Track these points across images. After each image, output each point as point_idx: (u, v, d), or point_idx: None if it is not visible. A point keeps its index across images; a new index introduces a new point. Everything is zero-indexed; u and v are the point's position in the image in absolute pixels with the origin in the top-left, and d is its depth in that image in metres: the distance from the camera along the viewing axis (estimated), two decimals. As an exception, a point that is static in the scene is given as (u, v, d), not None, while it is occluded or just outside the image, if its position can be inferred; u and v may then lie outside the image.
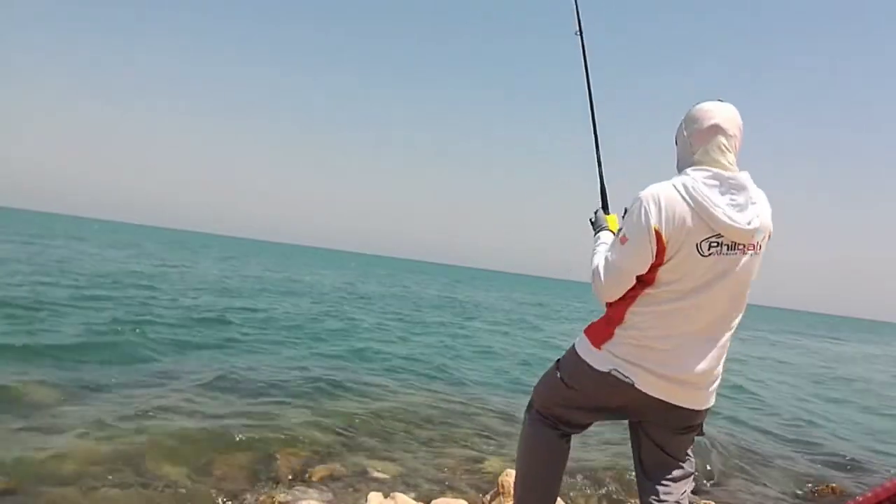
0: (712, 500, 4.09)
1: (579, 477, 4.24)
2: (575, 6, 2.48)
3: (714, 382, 1.83)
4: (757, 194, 1.75)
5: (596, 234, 2.05)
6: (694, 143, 1.80)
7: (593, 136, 2.30)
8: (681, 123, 1.88)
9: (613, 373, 1.78)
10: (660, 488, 1.90)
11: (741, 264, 1.72)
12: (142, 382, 5.52)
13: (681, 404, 1.79)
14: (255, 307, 12.78)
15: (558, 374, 1.95)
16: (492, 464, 4.38)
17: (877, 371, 16.82)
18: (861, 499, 1.61)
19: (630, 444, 2.07)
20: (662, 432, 1.92)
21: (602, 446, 5.01)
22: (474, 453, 4.64)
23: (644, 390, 1.76)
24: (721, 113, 1.79)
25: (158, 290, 13.26)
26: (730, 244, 1.69)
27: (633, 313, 1.77)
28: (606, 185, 2.26)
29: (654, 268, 1.73)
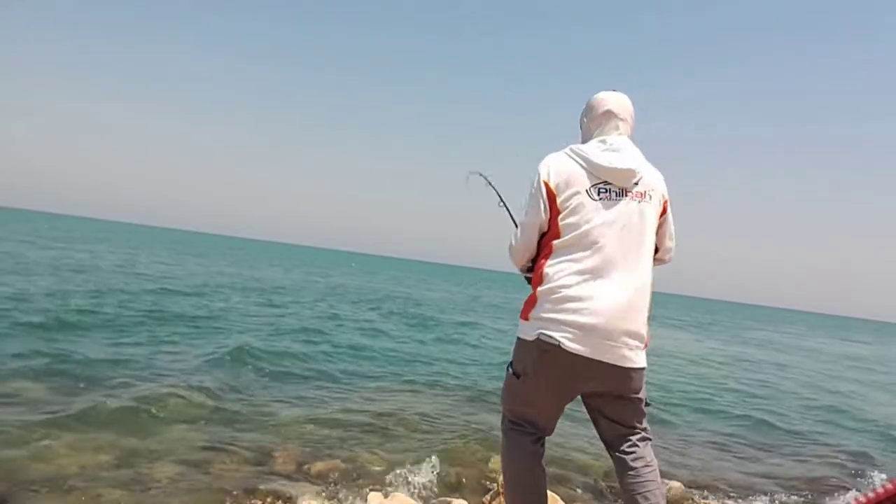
0: (713, 500, 4.09)
1: (577, 478, 4.24)
2: (489, 184, 2.63)
3: (635, 338, 1.91)
4: (639, 155, 2.00)
5: None
6: (592, 128, 2.08)
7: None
8: (582, 111, 2.15)
9: (541, 337, 1.88)
10: (627, 457, 2.01)
11: (632, 210, 1.92)
12: (143, 383, 5.53)
13: (607, 360, 1.86)
14: (260, 309, 12.80)
15: (510, 370, 2.06)
16: (492, 464, 4.38)
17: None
18: (862, 499, 1.60)
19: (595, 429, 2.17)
20: (611, 406, 2.02)
21: (598, 448, 5.00)
22: (475, 453, 4.64)
23: (570, 349, 1.84)
24: (613, 100, 2.07)
25: (167, 291, 13.27)
26: (618, 190, 1.92)
27: (548, 266, 1.94)
28: None
29: (553, 219, 1.94)
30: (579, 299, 1.83)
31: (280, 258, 52.41)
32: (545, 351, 1.87)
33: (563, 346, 1.83)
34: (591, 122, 2.08)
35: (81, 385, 5.16)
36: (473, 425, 5.46)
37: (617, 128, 2.03)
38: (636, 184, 1.93)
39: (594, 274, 1.85)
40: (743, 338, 23.99)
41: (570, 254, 1.88)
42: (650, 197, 1.95)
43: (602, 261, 1.86)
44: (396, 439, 4.77)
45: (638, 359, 1.92)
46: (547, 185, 1.93)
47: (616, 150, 1.94)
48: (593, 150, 1.95)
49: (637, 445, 2.02)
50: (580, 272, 1.86)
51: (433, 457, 4.46)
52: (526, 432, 2.04)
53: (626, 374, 1.92)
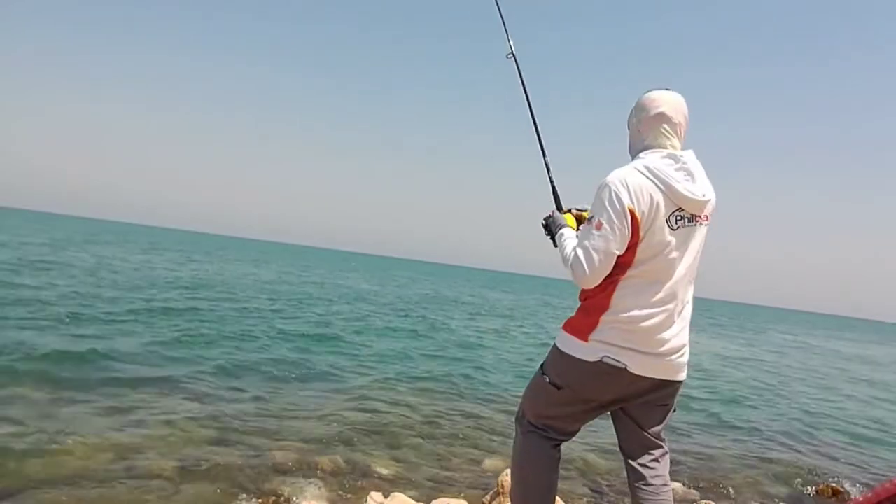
0: (713, 500, 4.09)
1: (578, 478, 4.25)
2: (504, 30, 2.56)
3: (686, 352, 1.95)
4: (702, 171, 1.91)
5: (557, 231, 2.08)
6: (643, 130, 1.96)
7: (539, 147, 2.39)
8: (632, 111, 2.02)
9: (605, 360, 1.84)
10: (647, 471, 2.00)
11: (698, 235, 1.89)
12: (143, 381, 5.53)
13: (666, 378, 1.90)
14: (263, 308, 12.81)
15: (546, 379, 1.99)
16: (492, 463, 4.38)
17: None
18: (861, 499, 1.61)
19: (615, 434, 2.15)
20: (643, 413, 2.01)
21: (600, 449, 5.01)
22: (475, 453, 4.64)
23: (636, 372, 1.84)
24: (667, 101, 1.94)
25: (168, 290, 13.26)
26: (689, 216, 1.85)
27: (619, 297, 1.85)
28: (557, 187, 2.33)
29: (631, 247, 1.82)
30: (649, 332, 1.83)
31: (289, 259, 52.41)
32: (607, 373, 1.85)
33: (628, 369, 1.83)
34: (643, 125, 1.95)
35: (82, 384, 5.16)
36: (473, 425, 5.46)
37: (671, 134, 1.92)
38: (704, 208, 1.89)
39: (662, 304, 1.84)
40: (749, 339, 23.98)
41: (642, 285, 1.84)
42: (710, 217, 1.93)
43: (670, 291, 1.85)
44: (397, 439, 4.77)
45: (686, 371, 1.97)
46: (633, 212, 1.78)
47: (690, 173, 1.85)
48: (667, 170, 1.83)
49: (658, 461, 2.03)
50: (650, 303, 1.83)
51: (433, 457, 4.47)
52: (547, 437, 2.03)
53: (676, 387, 1.98)
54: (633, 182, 1.80)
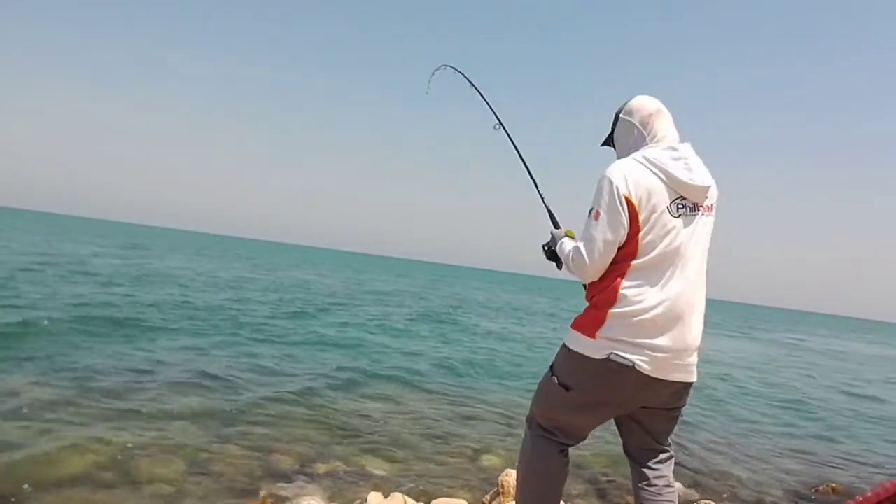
0: (713, 499, 4.09)
1: (579, 478, 4.25)
2: (487, 104, 2.61)
3: (697, 354, 1.93)
4: (700, 162, 1.92)
5: (558, 243, 2.09)
6: (645, 126, 1.97)
7: (532, 182, 2.41)
8: (620, 117, 2.04)
9: (612, 357, 1.80)
10: (651, 472, 2.01)
11: (702, 225, 1.89)
12: (143, 381, 5.53)
13: (676, 379, 1.87)
14: (261, 307, 12.81)
15: (555, 380, 1.96)
16: (492, 464, 4.39)
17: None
18: (861, 499, 1.61)
19: (619, 435, 2.14)
20: (652, 418, 2.01)
21: (602, 449, 5.02)
22: (474, 453, 4.64)
23: (644, 371, 1.80)
24: (654, 101, 2.00)
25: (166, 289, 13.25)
26: (692, 205, 1.86)
27: (625, 288, 1.82)
28: (550, 206, 2.35)
29: (632, 236, 1.81)
30: (659, 324, 1.80)
31: (293, 260, 52.46)
32: (615, 371, 1.81)
33: (637, 367, 1.79)
34: (643, 123, 1.97)
35: (82, 384, 5.16)
36: (474, 425, 5.46)
37: (671, 123, 1.97)
38: (706, 197, 1.89)
39: (672, 297, 1.81)
40: (751, 338, 23.98)
41: (649, 275, 1.81)
42: (713, 208, 1.92)
43: (680, 283, 1.82)
44: (396, 439, 4.76)
45: (696, 373, 1.94)
46: (629, 199, 1.78)
47: (688, 162, 1.86)
48: (667, 160, 1.85)
49: (662, 464, 2.03)
50: (659, 295, 1.80)
51: (433, 456, 4.47)
52: (556, 442, 2.00)
53: (686, 390, 1.95)
54: (630, 171, 1.82)
